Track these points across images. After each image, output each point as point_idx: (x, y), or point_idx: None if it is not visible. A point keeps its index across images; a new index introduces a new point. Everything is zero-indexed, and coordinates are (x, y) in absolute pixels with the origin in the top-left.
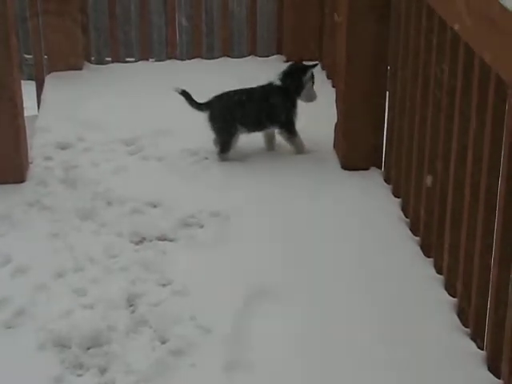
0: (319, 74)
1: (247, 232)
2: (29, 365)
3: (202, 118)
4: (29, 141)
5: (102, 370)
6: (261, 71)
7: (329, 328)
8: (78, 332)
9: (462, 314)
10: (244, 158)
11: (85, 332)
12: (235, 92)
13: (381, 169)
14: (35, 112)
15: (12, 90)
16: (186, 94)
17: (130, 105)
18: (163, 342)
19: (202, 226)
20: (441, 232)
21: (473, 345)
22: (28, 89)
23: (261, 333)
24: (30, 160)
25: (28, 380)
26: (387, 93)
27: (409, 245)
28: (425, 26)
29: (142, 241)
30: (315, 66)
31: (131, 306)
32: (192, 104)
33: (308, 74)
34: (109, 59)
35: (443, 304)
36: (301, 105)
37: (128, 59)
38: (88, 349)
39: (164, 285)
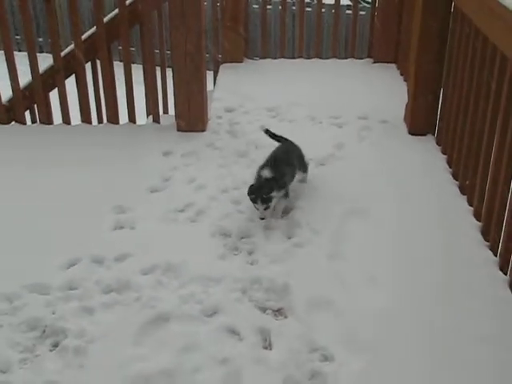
0: (395, 72)
1: (345, 168)
2: (204, 246)
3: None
4: (208, 105)
5: (250, 253)
6: (354, 70)
7: (412, 236)
8: (236, 227)
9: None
10: None
11: (239, 227)
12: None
13: (434, 135)
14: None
15: (201, 73)
16: (268, 133)
17: (272, 85)
18: (289, 238)
19: (323, 164)
20: (474, 175)
21: None
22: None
23: (355, 236)
24: (208, 117)
25: (204, 254)
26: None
27: (449, 187)
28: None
29: None
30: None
31: None
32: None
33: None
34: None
35: (489, 262)
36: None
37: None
38: (241, 238)
39: None
